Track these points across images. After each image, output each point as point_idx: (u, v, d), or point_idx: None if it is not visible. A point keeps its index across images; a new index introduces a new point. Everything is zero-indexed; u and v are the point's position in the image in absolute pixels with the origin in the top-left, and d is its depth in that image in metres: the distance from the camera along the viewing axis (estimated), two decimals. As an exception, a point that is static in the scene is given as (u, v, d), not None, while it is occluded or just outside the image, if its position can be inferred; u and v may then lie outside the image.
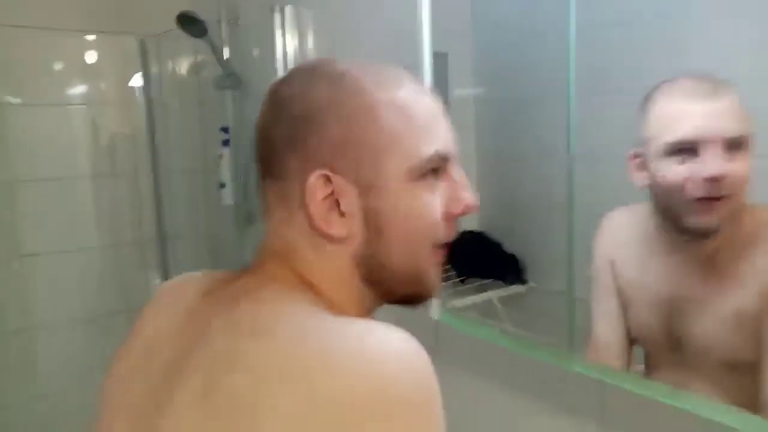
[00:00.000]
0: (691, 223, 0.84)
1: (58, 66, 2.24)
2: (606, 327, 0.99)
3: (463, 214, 0.63)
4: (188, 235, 2.49)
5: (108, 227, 2.35)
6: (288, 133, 0.59)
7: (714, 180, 0.79)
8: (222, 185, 2.14)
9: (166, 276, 2.37)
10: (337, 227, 0.59)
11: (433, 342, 1.39)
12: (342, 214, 0.59)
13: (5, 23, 2.08)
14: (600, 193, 0.98)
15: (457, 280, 1.21)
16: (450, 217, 0.63)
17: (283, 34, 1.78)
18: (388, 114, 0.59)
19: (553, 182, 1.05)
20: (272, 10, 1.77)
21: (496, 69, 1.20)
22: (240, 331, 0.53)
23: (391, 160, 0.58)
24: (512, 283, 1.14)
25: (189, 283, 0.68)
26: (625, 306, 0.96)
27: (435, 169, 0.61)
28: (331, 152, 0.58)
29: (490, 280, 1.18)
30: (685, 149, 0.81)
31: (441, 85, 1.17)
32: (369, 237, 0.60)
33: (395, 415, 0.46)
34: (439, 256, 0.65)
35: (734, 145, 0.78)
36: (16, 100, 2.14)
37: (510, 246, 1.15)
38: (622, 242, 0.97)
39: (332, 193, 0.59)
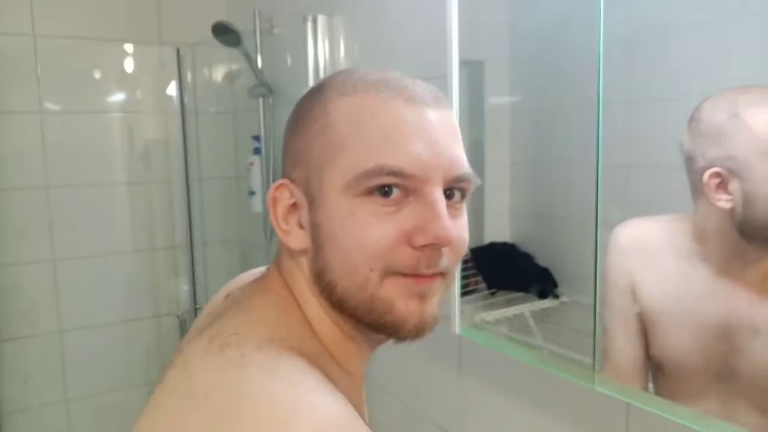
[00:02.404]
0: None
1: (96, 74, 2.29)
2: (622, 353, 0.93)
3: (431, 246, 0.54)
4: (218, 242, 2.51)
5: (140, 233, 2.38)
6: (283, 141, 0.61)
7: None
8: (251, 193, 2.15)
9: (193, 282, 2.38)
10: (294, 239, 0.58)
11: (457, 357, 1.36)
12: (301, 226, 0.58)
13: (47, 33, 2.13)
14: (632, 205, 0.94)
15: (488, 292, 1.19)
16: (414, 245, 0.54)
17: (316, 44, 1.78)
18: (340, 123, 0.55)
19: (584, 193, 1.02)
20: (305, 20, 1.78)
21: (531, 78, 1.18)
22: (210, 340, 0.54)
23: (333, 171, 0.55)
24: (544, 297, 1.11)
25: (230, 283, 0.71)
26: (648, 329, 0.91)
27: (384, 186, 0.53)
28: (292, 162, 0.59)
29: (522, 293, 1.15)
30: None
31: (476, 93, 1.16)
32: (315, 252, 0.57)
33: None
34: (411, 286, 0.55)
35: None
36: (56, 108, 2.19)
37: (542, 258, 1.12)
38: (646, 262, 0.91)
39: (294, 204, 0.58)
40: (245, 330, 0.54)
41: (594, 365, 0.94)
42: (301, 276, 0.59)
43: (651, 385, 0.93)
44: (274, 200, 0.59)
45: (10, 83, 2.10)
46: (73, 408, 2.27)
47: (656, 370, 0.92)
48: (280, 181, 0.58)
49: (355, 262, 0.54)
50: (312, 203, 0.56)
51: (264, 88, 2.09)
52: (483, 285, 1.19)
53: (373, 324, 0.56)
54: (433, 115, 0.55)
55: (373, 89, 0.55)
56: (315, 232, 0.56)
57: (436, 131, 0.55)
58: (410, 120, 0.54)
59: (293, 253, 0.59)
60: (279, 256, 0.63)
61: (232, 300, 0.62)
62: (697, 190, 0.81)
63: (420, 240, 0.53)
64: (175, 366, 0.54)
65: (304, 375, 0.50)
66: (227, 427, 0.45)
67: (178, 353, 0.56)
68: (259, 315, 0.57)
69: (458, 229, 0.56)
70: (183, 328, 2.34)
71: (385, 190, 0.53)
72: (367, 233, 0.53)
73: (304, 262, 0.59)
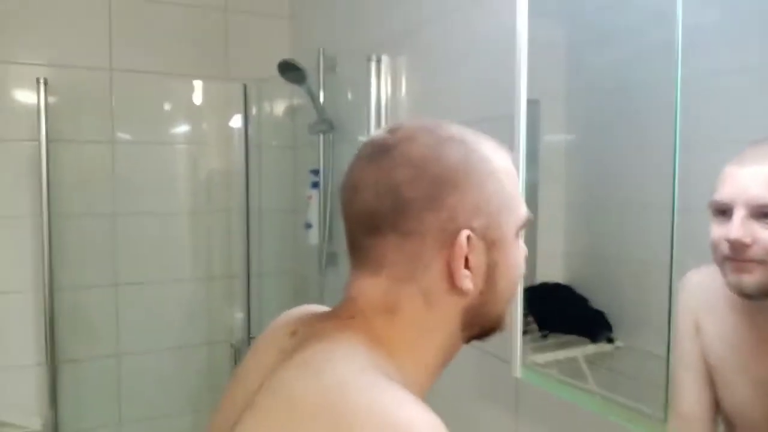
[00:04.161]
0: (726, 281, 0.82)
1: (166, 107, 2.39)
2: (689, 399, 0.90)
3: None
4: (274, 273, 2.55)
5: (200, 261, 2.45)
6: (426, 193, 0.62)
7: (736, 243, 0.78)
8: (308, 226, 2.17)
9: (248, 312, 2.42)
10: (467, 281, 0.63)
11: (514, 401, 1.32)
12: (469, 269, 0.63)
13: (124, 68, 2.26)
14: (697, 248, 0.91)
15: (539, 334, 1.16)
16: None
17: (378, 83, 1.82)
18: (507, 179, 0.66)
19: (648, 236, 0.99)
20: (369, 60, 1.82)
21: (590, 117, 1.16)
22: (304, 367, 0.58)
23: (509, 219, 0.66)
24: (598, 341, 1.07)
25: (284, 322, 0.73)
26: (713, 377, 0.89)
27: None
28: (469, 213, 0.63)
29: (574, 336, 1.12)
30: (722, 210, 0.81)
31: (532, 132, 1.15)
32: (484, 289, 0.65)
33: None
34: None
35: (766, 214, 0.77)
36: (126, 137, 2.29)
37: (597, 301, 1.09)
38: (707, 307, 0.90)
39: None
40: (338, 357, 0.59)
41: (665, 416, 0.91)
42: (436, 317, 0.65)
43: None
44: (462, 247, 0.63)
45: (86, 114, 2.23)
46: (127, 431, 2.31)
47: (726, 423, 0.89)
48: (466, 231, 0.62)
49: (515, 290, 0.71)
50: (492, 247, 0.65)
51: (325, 124, 2.13)
52: (533, 326, 1.16)
53: (490, 330, 0.70)
54: None
55: (503, 152, 0.68)
56: (492, 271, 0.65)
57: None
58: None
59: (442, 296, 0.64)
60: (380, 305, 0.65)
61: (307, 335, 0.65)
62: None
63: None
64: (266, 395, 0.58)
65: (404, 391, 0.55)
66: None
67: (268, 380, 0.60)
68: (349, 347, 0.61)
69: None
70: (236, 356, 2.36)
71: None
72: (522, 263, 0.70)
73: (458, 301, 0.65)
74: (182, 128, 2.42)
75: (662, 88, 0.91)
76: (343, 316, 0.66)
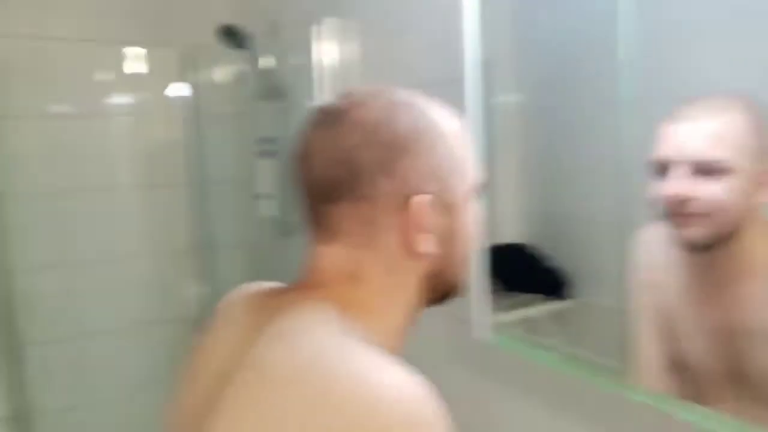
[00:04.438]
0: (673, 235, 0.86)
1: (102, 77, 2.28)
2: (648, 352, 0.94)
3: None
4: (228, 245, 2.50)
5: (150, 236, 2.38)
6: (379, 158, 0.62)
7: (676, 199, 0.81)
8: (258, 196, 2.14)
9: (207, 286, 2.38)
10: (424, 245, 0.63)
11: (478, 362, 1.34)
12: (425, 234, 0.63)
13: (54, 36, 2.14)
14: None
15: (501, 293, 1.17)
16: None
17: (324, 46, 1.78)
18: (457, 143, 0.66)
19: (603, 193, 1.01)
20: (314, 23, 1.77)
21: (542, 77, 1.16)
22: (279, 339, 0.58)
23: (461, 183, 0.66)
24: (555, 298, 1.09)
25: (242, 298, 0.72)
26: (670, 329, 0.92)
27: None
28: (421, 177, 0.63)
29: (533, 294, 1.13)
30: (663, 168, 0.84)
31: (485, 93, 1.14)
32: (441, 253, 0.65)
33: None
34: None
35: (705, 169, 0.79)
36: (61, 110, 2.19)
37: (555, 259, 1.11)
38: (661, 261, 0.93)
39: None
40: (312, 326, 0.58)
41: (624, 369, 0.95)
42: (397, 282, 0.65)
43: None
44: (419, 212, 0.63)
45: (16, 87, 2.10)
46: (88, 413, 2.27)
47: (686, 373, 0.92)
48: (427, 197, 0.63)
49: (470, 252, 0.70)
50: (446, 211, 0.65)
51: (271, 90, 2.08)
52: (498, 286, 1.17)
53: (449, 294, 0.71)
54: None
55: (453, 116, 0.68)
56: (448, 234, 0.66)
57: None
58: None
59: (400, 262, 0.64)
60: (338, 273, 0.65)
61: (274, 308, 0.64)
62: None
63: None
64: (244, 373, 0.58)
65: (381, 354, 0.55)
66: (321, 407, 0.50)
67: (244, 357, 0.59)
68: (321, 314, 0.60)
69: None
70: (195, 331, 2.33)
71: None
72: (476, 229, 0.70)
73: (417, 266, 0.65)
74: (121, 99, 2.30)
75: (613, 46, 0.91)
76: (307, 286, 0.65)
